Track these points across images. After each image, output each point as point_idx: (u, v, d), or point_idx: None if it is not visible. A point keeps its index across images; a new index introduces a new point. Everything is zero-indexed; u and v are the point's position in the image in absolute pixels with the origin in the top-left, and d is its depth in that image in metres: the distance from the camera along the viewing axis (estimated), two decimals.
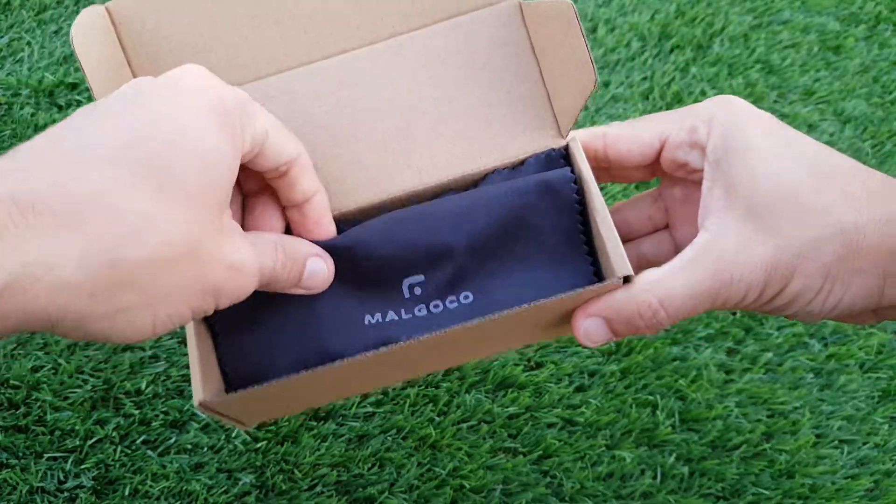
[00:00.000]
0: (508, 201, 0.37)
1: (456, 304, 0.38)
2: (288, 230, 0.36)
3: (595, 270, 0.37)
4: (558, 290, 0.34)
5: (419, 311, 0.38)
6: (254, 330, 0.36)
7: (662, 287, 0.32)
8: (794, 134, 0.33)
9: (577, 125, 0.40)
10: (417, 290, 0.38)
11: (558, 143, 0.40)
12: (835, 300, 0.32)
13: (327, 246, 0.36)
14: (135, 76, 0.40)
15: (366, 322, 0.37)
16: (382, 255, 0.37)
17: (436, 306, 0.38)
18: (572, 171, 0.38)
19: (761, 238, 0.31)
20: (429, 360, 0.40)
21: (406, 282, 0.39)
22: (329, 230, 0.35)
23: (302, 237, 0.34)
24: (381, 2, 0.42)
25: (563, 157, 0.39)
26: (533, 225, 0.37)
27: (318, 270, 0.34)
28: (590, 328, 0.35)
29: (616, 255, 0.35)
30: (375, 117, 0.41)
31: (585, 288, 0.33)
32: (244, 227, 0.34)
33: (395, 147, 0.41)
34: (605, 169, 0.39)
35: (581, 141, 0.39)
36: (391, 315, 0.38)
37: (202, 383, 0.36)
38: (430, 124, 0.42)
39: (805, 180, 0.31)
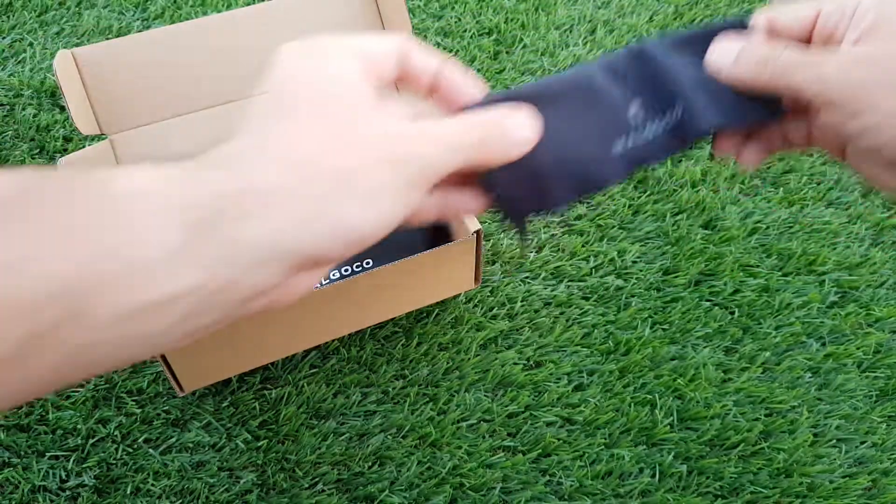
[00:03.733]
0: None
1: (671, 120, 0.42)
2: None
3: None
4: (745, 117, 0.40)
5: (648, 131, 0.42)
6: (524, 166, 0.37)
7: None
8: None
9: None
10: (641, 114, 0.42)
11: None
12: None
13: (534, 92, 0.38)
14: (93, 108, 0.51)
15: (614, 152, 0.41)
16: (600, 87, 0.41)
17: (657, 121, 0.42)
18: None
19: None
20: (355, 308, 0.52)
21: (631, 109, 0.42)
22: (469, 92, 0.35)
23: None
24: None
25: None
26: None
27: (523, 124, 0.34)
28: (721, 46, 0.40)
29: (470, 220, 0.50)
30: None
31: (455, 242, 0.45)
32: None
33: None
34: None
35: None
36: (631, 141, 0.41)
37: None
38: None
39: None
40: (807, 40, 0.42)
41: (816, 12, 0.41)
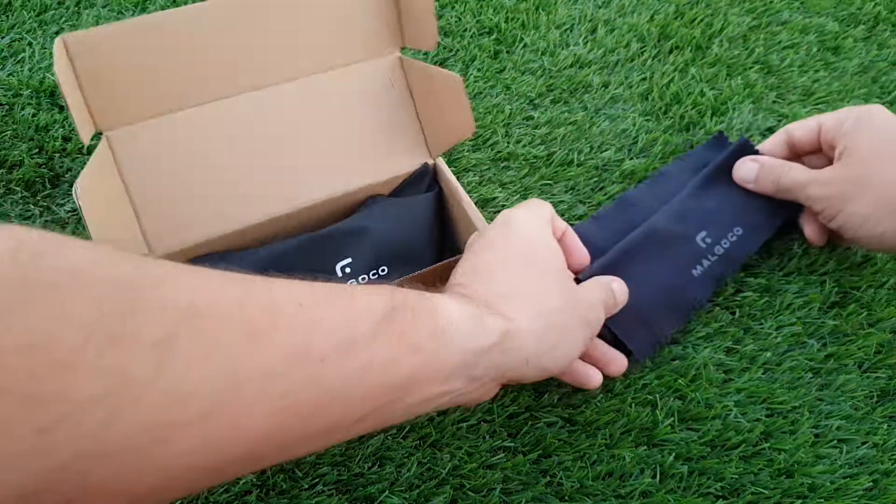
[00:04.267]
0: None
1: (733, 238, 0.60)
2: None
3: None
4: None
5: (717, 250, 0.60)
6: None
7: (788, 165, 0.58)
8: None
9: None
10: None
11: (429, 161, 0.57)
12: (881, 229, 0.51)
13: (621, 255, 0.58)
14: (86, 102, 0.48)
15: (695, 275, 0.59)
16: (665, 231, 0.59)
17: (722, 241, 0.59)
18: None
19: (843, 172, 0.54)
20: None
21: (698, 238, 0.60)
22: (584, 254, 0.52)
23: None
24: (294, 50, 0.53)
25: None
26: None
27: (621, 288, 0.50)
28: (744, 166, 0.60)
29: (481, 224, 0.53)
30: (286, 141, 0.53)
31: (450, 259, 0.51)
32: None
33: (303, 165, 0.53)
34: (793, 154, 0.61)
35: (770, 144, 0.63)
36: (706, 262, 0.60)
37: None
38: (330, 148, 0.54)
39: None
40: (818, 147, 0.58)
41: (819, 126, 0.57)
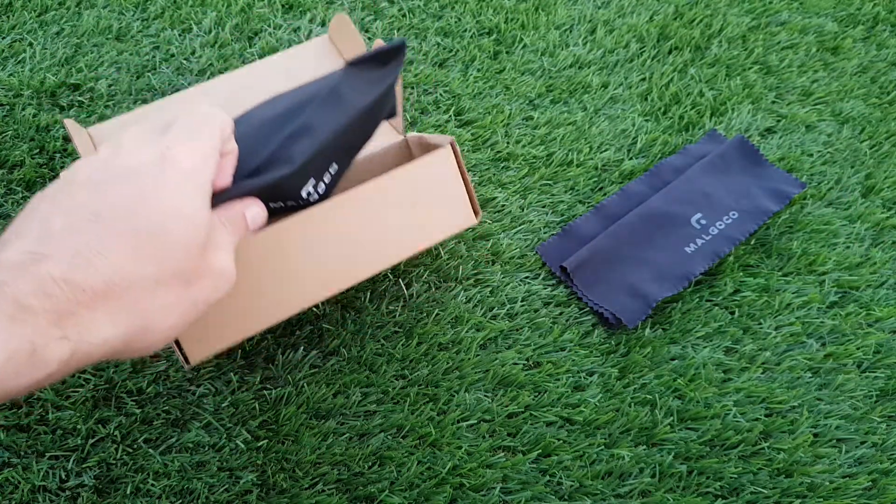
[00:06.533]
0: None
1: (728, 220, 0.64)
2: None
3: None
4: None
5: (712, 230, 0.63)
6: None
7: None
8: None
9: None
10: (703, 221, 0.63)
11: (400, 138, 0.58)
12: None
13: (618, 231, 0.61)
14: None
15: (687, 252, 0.62)
16: (661, 211, 0.64)
17: (717, 223, 0.63)
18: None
19: None
20: (334, 248, 0.49)
21: (693, 219, 0.64)
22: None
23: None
24: None
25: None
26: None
27: (257, 215, 0.39)
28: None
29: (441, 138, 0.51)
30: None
31: (430, 153, 0.49)
32: None
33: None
34: None
35: None
36: (700, 241, 0.63)
37: None
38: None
39: None
40: None
41: None
